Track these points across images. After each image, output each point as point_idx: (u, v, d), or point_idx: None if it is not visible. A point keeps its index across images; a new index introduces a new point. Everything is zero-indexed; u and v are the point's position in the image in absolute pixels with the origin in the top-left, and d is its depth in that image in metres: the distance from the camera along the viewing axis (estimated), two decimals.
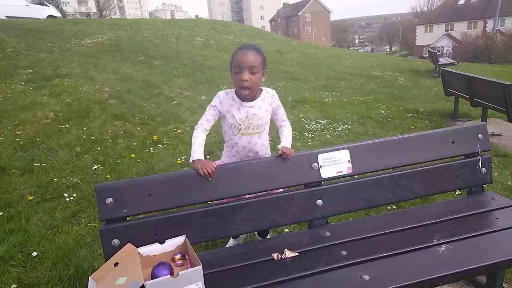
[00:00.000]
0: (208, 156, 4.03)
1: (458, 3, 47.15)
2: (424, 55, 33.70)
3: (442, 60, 13.52)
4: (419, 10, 70.14)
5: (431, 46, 36.25)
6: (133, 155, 3.93)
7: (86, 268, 2.16)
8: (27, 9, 15.62)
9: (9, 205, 2.87)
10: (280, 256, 1.65)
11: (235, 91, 1.88)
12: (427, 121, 6.06)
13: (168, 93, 6.72)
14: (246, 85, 1.75)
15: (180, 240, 1.66)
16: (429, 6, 66.07)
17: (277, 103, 1.95)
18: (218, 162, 1.90)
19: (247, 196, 1.82)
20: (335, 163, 1.87)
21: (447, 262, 1.53)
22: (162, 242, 1.64)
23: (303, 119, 5.84)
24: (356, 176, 1.96)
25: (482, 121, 5.33)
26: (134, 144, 4.28)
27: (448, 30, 46.21)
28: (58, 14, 17.46)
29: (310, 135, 5.03)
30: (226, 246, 2.31)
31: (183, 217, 1.71)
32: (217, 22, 23.15)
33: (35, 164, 3.57)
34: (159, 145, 4.33)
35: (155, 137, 4.51)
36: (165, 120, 5.23)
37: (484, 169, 2.10)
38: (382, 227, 1.84)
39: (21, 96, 5.43)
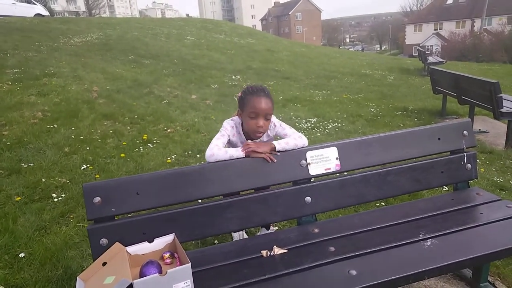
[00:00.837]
0: (198, 155, 4.02)
1: (447, 3, 47.79)
2: (413, 54, 34.10)
3: (431, 59, 13.68)
4: (408, 9, 70.96)
5: (420, 45, 36.72)
6: (122, 155, 3.90)
7: (74, 269, 2.14)
8: (13, 8, 15.37)
9: None
10: (269, 253, 1.66)
11: (242, 126, 1.94)
12: (415, 119, 6.14)
13: (158, 92, 6.68)
14: (261, 131, 1.85)
15: (169, 238, 1.66)
16: (418, 6, 66.85)
17: (278, 130, 1.97)
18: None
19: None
20: (323, 160, 1.88)
21: (432, 256, 1.55)
22: (151, 241, 1.63)
23: (293, 117, 5.86)
24: (344, 173, 1.98)
25: (469, 118, 5.41)
26: (124, 143, 4.25)
27: (437, 29, 46.82)
28: (46, 13, 17.21)
29: (300, 133, 5.05)
30: (233, 240, 2.33)
31: (172, 215, 1.71)
32: (207, 21, 23.06)
33: (23, 165, 3.52)
34: (149, 144, 4.31)
35: (145, 137, 4.48)
36: (155, 119, 5.20)
37: (469, 165, 2.13)
38: (370, 223, 1.86)
39: (7, 95, 5.34)
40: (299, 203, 1.87)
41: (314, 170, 1.87)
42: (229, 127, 1.92)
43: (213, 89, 7.71)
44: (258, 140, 1.94)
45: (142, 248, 1.62)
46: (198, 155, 4.04)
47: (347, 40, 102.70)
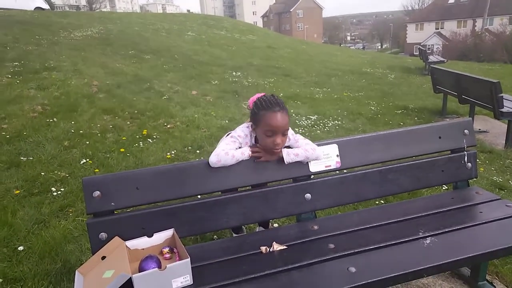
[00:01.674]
0: (197, 151, 4.02)
1: (449, 2, 47.67)
2: (414, 53, 34.06)
3: (432, 58, 13.66)
4: (410, 8, 70.82)
5: (422, 44, 36.64)
6: (122, 150, 3.90)
7: (73, 262, 2.14)
8: (14, 0, 15.29)
9: None
10: (268, 249, 1.66)
11: (255, 138, 1.81)
12: (416, 118, 6.13)
13: (159, 88, 6.67)
14: (279, 148, 1.72)
15: (168, 233, 1.66)
16: (420, 5, 66.69)
17: (291, 142, 1.82)
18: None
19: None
20: (324, 157, 1.88)
21: (431, 255, 1.56)
22: (150, 236, 1.63)
23: (293, 114, 5.85)
24: (344, 170, 1.98)
25: (469, 117, 5.41)
26: (124, 138, 4.25)
27: (438, 29, 46.73)
28: (46, 6, 17.14)
29: (300, 130, 5.05)
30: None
31: (171, 210, 1.71)
32: (208, 17, 22.99)
33: (22, 158, 3.52)
34: (148, 139, 4.30)
35: (144, 132, 4.48)
36: (155, 114, 5.19)
37: (469, 164, 2.13)
38: (369, 221, 1.86)
39: (7, 89, 5.33)
40: (299, 200, 1.87)
41: (314, 167, 1.87)
42: (243, 135, 1.77)
43: (214, 85, 7.69)
44: None
45: (141, 243, 1.62)
46: (198, 151, 4.03)
47: (348, 38, 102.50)
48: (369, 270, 1.46)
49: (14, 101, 4.94)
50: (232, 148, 1.73)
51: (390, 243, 1.64)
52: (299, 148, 1.81)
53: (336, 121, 5.63)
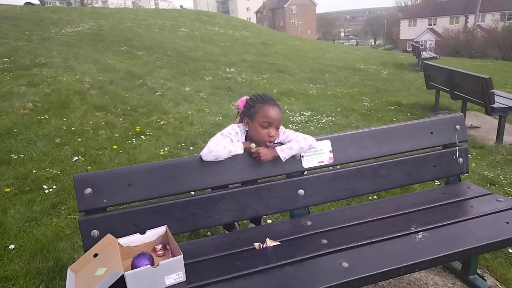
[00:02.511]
0: (191, 148, 4.00)
1: None
2: (407, 49, 34.19)
3: (424, 54, 13.76)
4: (403, 4, 71.05)
5: (415, 40, 36.77)
6: (115, 147, 3.87)
7: (65, 260, 2.13)
8: None
9: None
10: (261, 245, 1.66)
11: (246, 135, 1.84)
12: (409, 114, 6.17)
13: (152, 84, 6.62)
14: (273, 140, 1.78)
15: (161, 230, 1.65)
16: (413, 1, 66.96)
17: (282, 137, 1.86)
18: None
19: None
20: (316, 153, 1.88)
21: (423, 249, 1.57)
22: (143, 233, 1.62)
23: (287, 111, 5.85)
24: (337, 166, 1.98)
25: (461, 113, 5.46)
26: (116, 135, 4.21)
27: (431, 25, 46.96)
28: (36, 1, 16.88)
29: (294, 127, 5.05)
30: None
31: (164, 207, 1.70)
32: (202, 13, 22.84)
33: (12, 156, 3.47)
34: (141, 136, 4.27)
35: (137, 128, 4.45)
36: (148, 111, 5.16)
37: (461, 159, 2.15)
38: (362, 216, 1.87)
39: None
40: (292, 196, 1.87)
41: (307, 163, 1.87)
42: (233, 133, 1.80)
43: (207, 81, 7.65)
44: None
45: (134, 240, 1.61)
46: (191, 148, 4.02)
47: (342, 34, 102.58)
48: (362, 265, 1.47)
49: (4, 97, 4.87)
50: (223, 142, 1.74)
51: (382, 238, 1.65)
52: (290, 142, 1.82)
53: (330, 117, 5.64)
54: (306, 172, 1.91)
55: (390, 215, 1.89)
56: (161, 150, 3.89)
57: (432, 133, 2.11)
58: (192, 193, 1.85)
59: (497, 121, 4.77)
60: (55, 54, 7.38)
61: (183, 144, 4.11)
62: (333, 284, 1.37)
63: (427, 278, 2.09)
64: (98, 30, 11.47)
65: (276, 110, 1.75)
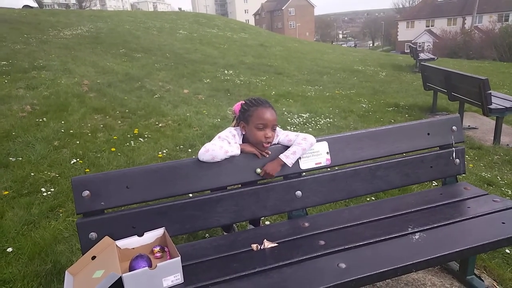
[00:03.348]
0: (189, 150, 4.01)
1: (438, 0, 48.08)
2: (405, 51, 34.26)
3: (422, 56, 13.78)
4: (401, 6, 71.32)
5: (412, 41, 36.93)
6: (113, 149, 3.87)
7: (64, 263, 2.12)
8: None
9: None
10: (259, 247, 1.66)
11: (242, 138, 1.85)
12: (406, 115, 6.19)
13: (150, 87, 6.63)
14: (270, 141, 1.80)
15: (159, 232, 1.66)
16: (410, 2, 67.20)
17: (281, 138, 1.88)
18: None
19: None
20: (314, 155, 1.89)
21: (420, 250, 1.58)
22: (140, 235, 1.63)
23: (285, 112, 5.86)
24: (336, 167, 1.99)
25: (459, 114, 5.48)
26: (115, 137, 4.21)
27: (428, 26, 47.12)
28: (34, 4, 16.92)
29: (292, 128, 5.06)
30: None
31: (162, 209, 1.70)
32: (200, 15, 22.88)
33: (11, 159, 3.47)
34: (140, 138, 4.28)
35: (136, 131, 4.45)
36: (146, 113, 5.16)
37: (457, 160, 2.16)
38: (359, 217, 1.88)
39: None
40: (290, 197, 1.88)
41: (304, 165, 1.88)
42: (230, 135, 1.81)
43: (206, 83, 7.66)
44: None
45: (131, 242, 1.61)
46: (189, 150, 4.02)
47: (340, 36, 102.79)
48: (359, 266, 1.47)
49: (2, 100, 4.87)
50: (221, 144, 1.75)
51: (379, 239, 1.66)
52: (292, 146, 1.84)
53: (328, 119, 5.66)
54: (303, 173, 1.92)
55: (387, 216, 1.89)
56: (160, 153, 3.89)
57: (429, 134, 2.12)
58: (190, 195, 1.85)
59: (495, 122, 4.79)
60: (53, 57, 7.39)
61: (181, 146, 4.12)
62: (331, 285, 1.38)
63: (424, 278, 2.10)
64: (97, 32, 11.48)
65: (270, 112, 1.77)
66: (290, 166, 1.83)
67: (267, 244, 1.67)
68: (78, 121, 4.57)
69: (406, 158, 2.09)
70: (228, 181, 1.80)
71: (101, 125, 4.55)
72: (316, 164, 1.90)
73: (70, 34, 10.55)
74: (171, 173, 1.71)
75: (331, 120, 5.62)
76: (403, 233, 1.71)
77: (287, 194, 1.87)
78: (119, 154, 3.79)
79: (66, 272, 1.49)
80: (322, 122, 5.49)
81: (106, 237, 1.58)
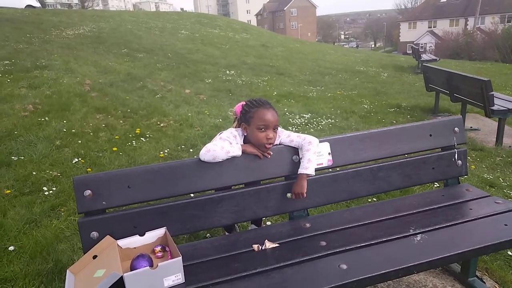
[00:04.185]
0: (191, 150, 4.01)
1: (441, 1, 48.03)
2: (407, 52, 34.22)
3: (424, 57, 13.76)
4: (403, 7, 71.25)
5: (415, 42, 36.89)
6: (115, 149, 3.88)
7: (65, 262, 2.13)
8: None
9: None
10: (260, 247, 1.66)
11: (244, 139, 1.85)
12: (408, 116, 6.18)
13: (152, 86, 6.63)
14: (272, 142, 1.79)
15: (160, 232, 1.66)
16: (412, 3, 67.13)
17: (282, 138, 1.90)
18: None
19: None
20: (315, 156, 1.88)
21: (421, 251, 1.57)
22: (142, 234, 1.63)
23: (287, 113, 5.86)
24: (337, 168, 1.99)
25: (461, 116, 5.47)
26: (116, 137, 4.22)
27: (431, 27, 47.04)
28: (37, 4, 16.91)
29: (294, 129, 5.06)
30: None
31: (163, 209, 1.71)
32: (202, 15, 22.88)
33: (13, 158, 3.48)
34: (141, 138, 4.28)
35: (137, 131, 4.45)
36: (148, 113, 5.17)
37: (459, 162, 2.16)
38: (361, 218, 1.88)
39: None
40: (291, 198, 1.87)
41: None
42: (232, 136, 1.81)
43: (207, 83, 7.66)
44: None
45: (133, 242, 1.61)
46: (191, 150, 4.02)
47: (342, 36, 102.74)
48: (360, 267, 1.47)
49: (4, 100, 4.88)
50: (221, 144, 1.75)
51: (381, 240, 1.66)
52: (304, 156, 1.83)
53: (330, 120, 5.65)
54: None
55: (389, 217, 1.89)
56: (161, 152, 3.90)
57: (431, 135, 2.12)
58: (192, 195, 1.85)
59: (497, 123, 4.77)
60: (55, 57, 7.40)
61: (183, 146, 4.12)
62: (332, 286, 1.37)
63: (426, 280, 2.09)
64: (99, 32, 11.50)
65: (271, 113, 1.77)
66: (314, 174, 1.82)
67: (268, 245, 1.67)
68: (80, 121, 4.58)
69: (407, 159, 2.09)
70: (229, 182, 1.80)
71: (103, 125, 4.56)
72: (318, 165, 1.89)
73: (73, 34, 10.57)
74: (172, 173, 1.71)
75: (332, 120, 5.62)
76: (405, 234, 1.70)
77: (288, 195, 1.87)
78: (120, 153, 3.80)
79: (68, 271, 1.50)
80: (324, 122, 5.48)
81: (108, 236, 1.59)
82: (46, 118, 4.50)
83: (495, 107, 4.50)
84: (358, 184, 1.98)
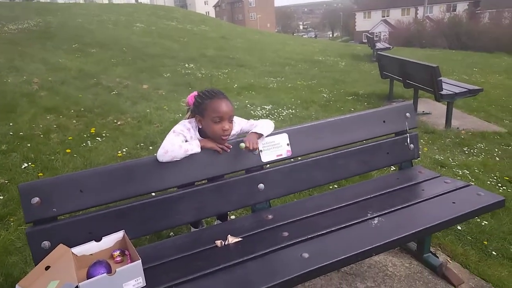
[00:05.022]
0: (150, 147, 3.89)
1: None
2: (363, 41, 35.29)
3: (378, 45, 14.25)
4: None
5: (370, 31, 38.08)
6: (68, 150, 3.67)
7: (17, 275, 1.99)
8: None
9: None
10: (223, 243, 1.65)
11: (199, 131, 1.81)
12: (365, 103, 6.39)
13: (107, 83, 6.35)
14: (228, 134, 1.75)
15: (118, 236, 1.59)
16: None
17: (243, 126, 1.91)
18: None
19: None
20: (274, 147, 1.89)
21: (379, 234, 1.63)
22: (98, 240, 1.55)
23: (248, 105, 5.85)
24: (299, 157, 2.00)
25: (414, 101, 5.74)
26: (70, 138, 4.00)
27: (384, 16, 48.79)
28: None
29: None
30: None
31: (120, 211, 1.64)
32: (158, 7, 22.19)
33: None
34: (97, 138, 4.09)
35: (93, 130, 4.25)
36: (103, 111, 4.94)
37: (412, 145, 2.26)
38: (321, 206, 1.91)
39: None
40: (253, 191, 1.87)
41: (266, 157, 1.88)
42: (185, 129, 1.76)
43: (166, 78, 7.46)
44: None
45: (89, 248, 1.54)
46: (150, 147, 3.90)
47: (301, 27, 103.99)
48: (322, 254, 1.50)
49: None
50: (178, 140, 1.70)
51: (340, 226, 1.70)
52: (257, 124, 1.87)
53: (290, 110, 5.71)
54: (265, 166, 1.92)
55: (348, 203, 1.94)
56: (119, 152, 3.75)
57: (384, 121, 2.20)
58: (153, 194, 1.79)
59: (446, 107, 5.06)
60: None
61: (142, 144, 3.99)
62: (294, 275, 1.39)
63: (386, 260, 2.19)
64: (46, 27, 10.79)
65: (225, 103, 1.72)
66: (265, 135, 1.83)
67: (231, 240, 1.66)
68: (29, 122, 4.29)
69: (364, 146, 2.15)
70: (189, 178, 1.76)
71: (54, 126, 4.30)
72: (277, 156, 1.90)
73: (16, 29, 9.84)
74: (129, 173, 1.64)
75: (293, 111, 5.68)
76: (363, 219, 1.76)
77: (250, 188, 1.86)
78: (75, 155, 3.61)
79: (17, 286, 1.40)
80: (285, 113, 5.53)
81: (61, 244, 1.50)
82: None
83: (443, 92, 4.76)
84: (318, 172, 2.02)
